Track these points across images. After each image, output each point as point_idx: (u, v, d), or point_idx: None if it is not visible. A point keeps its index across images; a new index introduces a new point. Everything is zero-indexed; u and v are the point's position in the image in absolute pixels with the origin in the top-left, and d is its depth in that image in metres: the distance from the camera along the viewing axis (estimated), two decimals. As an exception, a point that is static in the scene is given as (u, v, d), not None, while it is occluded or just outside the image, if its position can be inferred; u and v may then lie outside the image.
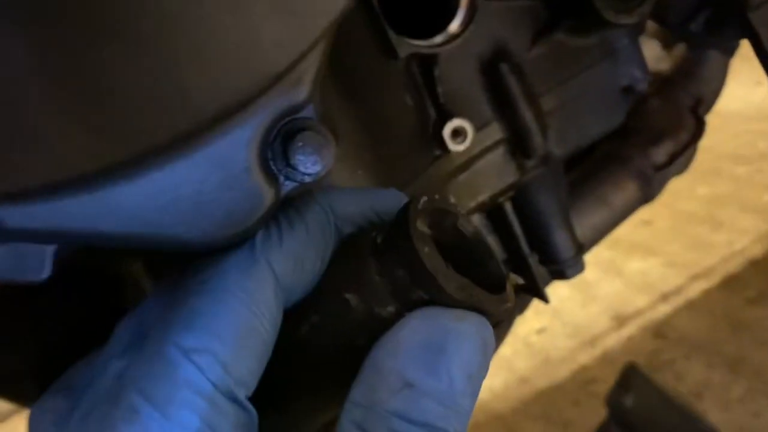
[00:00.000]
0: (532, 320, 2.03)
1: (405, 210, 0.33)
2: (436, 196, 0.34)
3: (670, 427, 1.59)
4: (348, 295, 0.34)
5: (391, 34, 0.62)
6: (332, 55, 0.60)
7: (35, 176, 0.24)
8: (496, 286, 0.34)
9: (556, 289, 2.11)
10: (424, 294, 0.31)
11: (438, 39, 0.64)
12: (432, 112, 0.66)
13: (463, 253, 0.34)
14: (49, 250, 0.32)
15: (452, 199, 0.34)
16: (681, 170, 1.12)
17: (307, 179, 0.34)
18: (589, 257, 0.93)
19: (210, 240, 0.33)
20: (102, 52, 0.22)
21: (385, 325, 0.32)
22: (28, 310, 0.69)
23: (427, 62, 0.66)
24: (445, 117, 0.65)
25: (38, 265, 0.31)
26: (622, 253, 2.08)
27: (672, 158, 1.07)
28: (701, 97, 1.17)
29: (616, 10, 0.65)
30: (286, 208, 0.37)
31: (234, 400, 0.30)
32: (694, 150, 1.12)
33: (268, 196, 0.33)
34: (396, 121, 0.65)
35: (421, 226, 0.32)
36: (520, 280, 0.84)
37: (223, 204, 0.32)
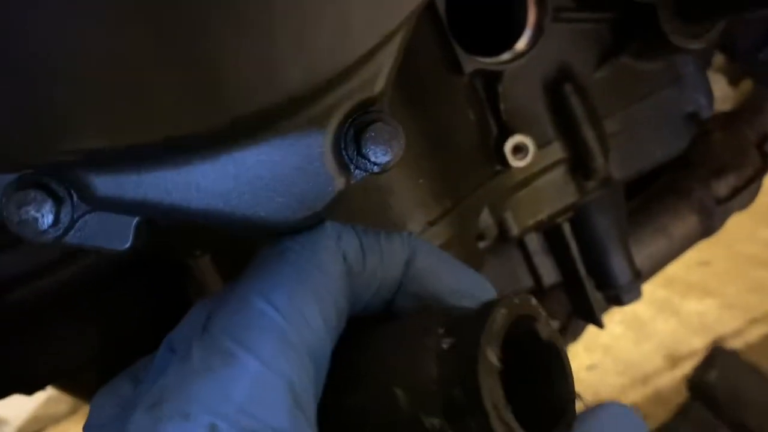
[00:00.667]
0: (582, 356, 1.99)
1: (480, 328, 0.30)
2: (517, 300, 0.31)
3: (754, 399, 1.53)
4: (398, 391, 0.32)
5: (459, 50, 0.64)
6: (403, 67, 0.61)
7: (131, 135, 0.26)
8: (563, 400, 0.32)
9: (609, 327, 2.06)
10: (474, 424, 0.29)
11: (504, 57, 0.65)
12: (494, 128, 0.67)
13: (535, 356, 0.33)
14: (133, 221, 0.33)
15: (534, 301, 0.30)
16: (744, 205, 1.09)
17: (376, 169, 0.35)
18: (643, 295, 0.92)
19: (282, 221, 0.34)
20: (200, 22, 0.24)
21: None
22: (94, 305, 0.72)
23: (491, 79, 0.67)
24: (506, 133, 0.66)
25: (122, 234, 0.33)
26: (678, 293, 2.03)
27: (734, 192, 1.06)
28: (767, 132, 1.15)
29: (684, 35, 0.65)
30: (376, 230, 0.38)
31: (314, 360, 0.32)
32: (759, 185, 1.10)
33: (338, 182, 0.34)
34: (458, 134, 0.66)
35: (491, 354, 0.30)
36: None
37: (297, 187, 0.34)
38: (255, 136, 0.31)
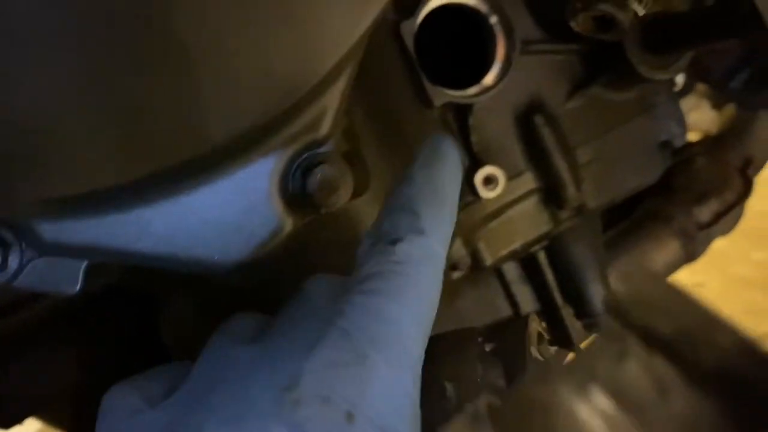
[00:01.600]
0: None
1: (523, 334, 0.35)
2: None
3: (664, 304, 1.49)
4: (447, 384, 0.35)
5: (427, 84, 0.65)
6: (370, 100, 0.62)
7: (71, 185, 0.27)
8: None
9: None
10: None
11: (472, 90, 0.66)
12: (465, 160, 0.68)
13: None
14: (82, 265, 0.34)
15: None
16: (726, 231, 1.10)
17: (324, 209, 0.36)
18: (638, 318, 0.91)
19: (230, 263, 0.35)
20: (136, 76, 0.25)
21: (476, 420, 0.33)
22: (69, 335, 0.73)
23: (462, 112, 0.68)
24: (477, 164, 0.67)
25: (72, 278, 0.34)
26: (672, 316, 2.02)
27: (717, 217, 1.06)
28: (750, 156, 1.16)
29: (652, 66, 0.66)
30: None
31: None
32: (741, 210, 1.10)
33: (286, 223, 0.35)
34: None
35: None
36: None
37: (244, 229, 0.34)
38: (198, 179, 0.32)
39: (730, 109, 1.26)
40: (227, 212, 0.34)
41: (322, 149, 0.35)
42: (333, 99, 0.34)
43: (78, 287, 0.34)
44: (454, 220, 0.41)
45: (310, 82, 0.28)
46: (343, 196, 0.35)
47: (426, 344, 0.35)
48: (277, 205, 0.34)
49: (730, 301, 2.15)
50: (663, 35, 0.63)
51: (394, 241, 0.35)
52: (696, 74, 0.93)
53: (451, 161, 0.43)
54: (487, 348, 0.35)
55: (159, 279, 0.58)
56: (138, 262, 0.34)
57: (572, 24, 0.50)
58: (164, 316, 0.63)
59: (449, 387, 0.37)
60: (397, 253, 0.34)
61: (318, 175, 0.35)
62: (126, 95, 0.25)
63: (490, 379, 0.34)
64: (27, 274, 0.33)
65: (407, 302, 0.33)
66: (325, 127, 0.35)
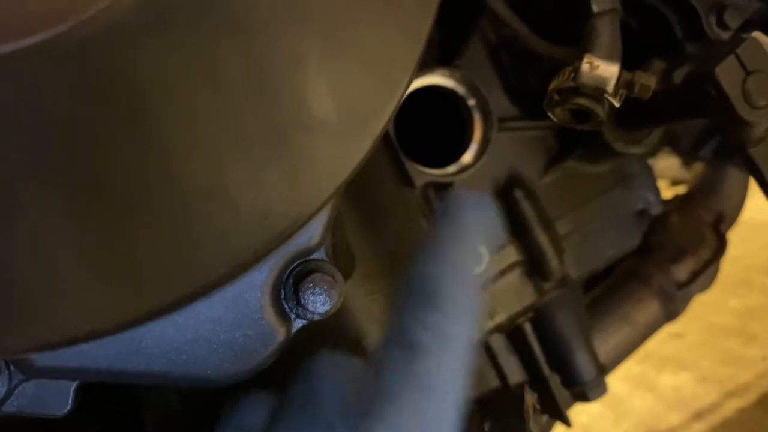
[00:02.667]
0: (562, 438, 1.96)
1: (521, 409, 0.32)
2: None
3: None
4: None
5: (408, 165, 0.66)
6: (354, 184, 0.63)
7: (62, 331, 0.26)
8: None
9: (587, 406, 2.04)
10: None
11: (451, 169, 0.67)
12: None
13: None
14: (72, 386, 0.33)
15: None
16: (704, 288, 1.11)
17: (317, 317, 0.36)
18: (619, 371, 0.92)
19: (224, 376, 0.35)
20: (125, 219, 0.25)
21: None
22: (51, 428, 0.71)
23: (442, 189, 0.69)
24: (460, 241, 0.67)
25: (62, 399, 0.33)
26: (653, 368, 2.02)
27: (694, 276, 1.07)
28: (722, 213, 1.18)
29: (625, 141, 0.68)
30: None
31: None
32: (717, 267, 1.12)
33: (279, 333, 0.35)
34: (413, 246, 0.67)
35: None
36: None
37: (238, 341, 0.34)
38: (190, 304, 0.32)
39: (699, 165, 1.28)
40: (220, 326, 0.33)
41: (314, 256, 0.36)
42: (321, 220, 0.34)
43: (68, 408, 0.33)
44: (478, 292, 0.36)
45: (307, 214, 0.28)
46: (336, 303, 0.35)
47: None
48: (270, 316, 0.34)
49: (709, 351, 2.17)
50: (634, 114, 0.65)
51: (412, 345, 0.32)
52: (665, 142, 0.95)
53: (470, 225, 0.37)
54: (486, 428, 0.32)
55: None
56: (131, 381, 0.33)
57: (550, 115, 0.52)
58: (148, 407, 0.61)
59: None
60: (417, 361, 0.31)
61: (311, 284, 0.35)
62: (114, 238, 0.25)
63: None
64: (16, 398, 0.32)
65: (430, 420, 0.31)
66: (315, 238, 0.35)
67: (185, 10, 0.26)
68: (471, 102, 0.67)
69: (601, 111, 0.46)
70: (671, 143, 0.89)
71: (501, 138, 0.70)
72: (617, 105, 0.45)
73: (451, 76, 0.67)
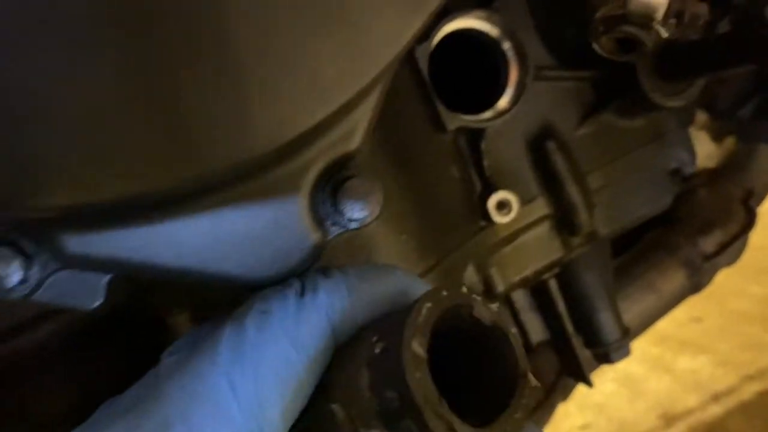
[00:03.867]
0: (575, 416, 1.95)
1: (402, 325, 0.29)
2: (445, 293, 0.30)
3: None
4: (334, 406, 0.31)
5: (441, 108, 0.64)
6: (383, 124, 0.62)
7: (100, 192, 0.26)
8: (513, 380, 0.30)
9: (602, 385, 2.03)
10: (413, 425, 0.28)
11: (486, 114, 0.66)
12: (477, 184, 0.68)
13: (481, 342, 0.32)
14: (104, 279, 0.33)
15: (464, 288, 0.28)
16: (731, 261, 1.09)
17: (353, 225, 0.35)
18: (636, 353, 0.90)
19: (257, 278, 0.34)
20: (177, 77, 0.24)
21: None
22: (72, 363, 0.71)
23: (474, 136, 0.67)
24: (490, 189, 0.66)
25: (92, 292, 0.33)
26: (671, 350, 2.01)
27: (721, 248, 1.05)
28: (752, 189, 1.16)
29: (664, 92, 0.66)
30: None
31: None
32: (745, 241, 1.10)
33: (314, 238, 0.34)
34: (442, 191, 0.66)
35: (417, 346, 0.28)
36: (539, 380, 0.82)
37: (271, 243, 0.33)
38: (229, 191, 0.31)
39: (729, 141, 1.26)
40: (255, 226, 0.33)
41: (352, 163, 0.35)
42: (365, 113, 0.33)
43: (99, 302, 0.33)
44: None
45: (356, 87, 0.27)
46: (373, 211, 0.34)
47: (287, 414, 0.31)
48: (305, 220, 0.34)
49: (728, 336, 2.15)
50: (676, 62, 0.63)
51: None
52: (702, 102, 0.93)
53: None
54: (377, 350, 0.28)
55: (169, 299, 0.57)
56: (164, 277, 0.32)
57: (594, 46, 0.50)
58: (170, 339, 0.61)
59: (337, 410, 0.31)
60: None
61: (349, 189, 0.34)
62: (166, 97, 0.24)
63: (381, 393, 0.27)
64: (47, 288, 0.32)
65: (243, 373, 0.30)
66: (356, 141, 0.34)
67: None
68: (506, 45, 0.65)
69: (648, 40, 0.44)
70: (707, 105, 0.88)
71: (536, 87, 0.68)
72: (665, 35, 0.44)
73: (487, 19, 0.66)
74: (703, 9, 0.45)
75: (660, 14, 0.43)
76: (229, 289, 0.35)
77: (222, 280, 0.33)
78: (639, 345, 1.00)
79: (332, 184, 0.34)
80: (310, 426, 0.33)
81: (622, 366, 0.88)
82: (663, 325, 1.02)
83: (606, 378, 2.00)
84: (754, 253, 1.11)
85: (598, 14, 0.46)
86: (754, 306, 2.12)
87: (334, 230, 0.35)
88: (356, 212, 0.34)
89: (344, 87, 0.27)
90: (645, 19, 0.43)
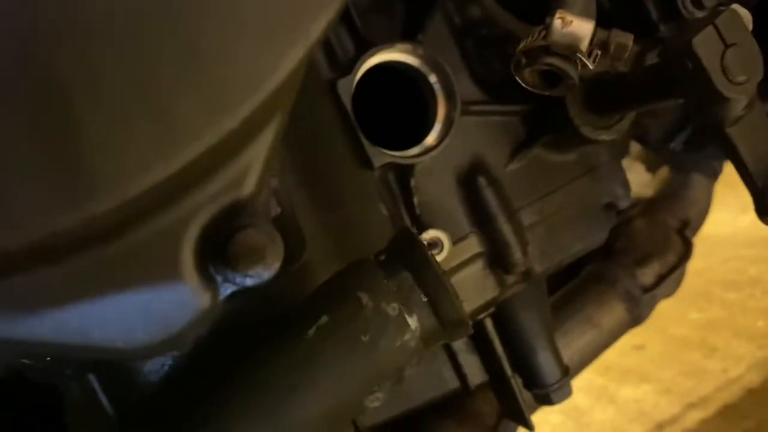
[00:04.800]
0: (523, 449, 1.92)
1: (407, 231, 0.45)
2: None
3: None
4: (361, 294, 0.40)
5: (367, 145, 0.61)
6: (304, 161, 0.58)
7: None
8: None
9: (548, 416, 2.01)
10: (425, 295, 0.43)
11: (414, 151, 0.63)
12: (408, 223, 0.64)
13: None
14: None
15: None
16: (670, 293, 1.09)
17: (249, 282, 0.31)
18: (580, 383, 0.88)
19: (139, 347, 0.29)
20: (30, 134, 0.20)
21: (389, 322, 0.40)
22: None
23: (403, 173, 0.65)
24: (421, 228, 0.63)
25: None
26: (614, 380, 2.00)
27: (659, 279, 1.05)
28: (687, 219, 1.16)
29: (595, 126, 0.65)
30: None
31: None
32: (683, 272, 1.10)
33: (202, 300, 0.30)
34: (370, 230, 0.63)
35: None
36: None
37: (151, 309, 0.29)
38: (94, 255, 0.27)
39: (664, 170, 1.27)
40: (131, 290, 0.28)
41: (246, 211, 0.31)
42: (257, 154, 0.29)
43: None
44: None
45: (220, 130, 0.23)
46: (271, 265, 0.31)
47: None
48: (190, 279, 0.29)
49: (670, 363, 2.16)
50: (605, 96, 0.61)
51: None
52: (634, 135, 0.93)
53: None
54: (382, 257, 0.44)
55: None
56: (39, 353, 0.28)
57: (518, 79, 0.48)
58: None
59: (363, 296, 0.40)
60: None
61: (241, 241, 0.30)
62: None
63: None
64: None
65: None
66: (249, 186, 0.30)
67: None
68: (433, 79, 0.63)
69: (573, 72, 0.42)
70: (639, 137, 0.87)
71: (465, 122, 0.66)
72: (591, 66, 0.42)
73: (412, 52, 0.63)
74: (628, 39, 0.43)
75: (584, 45, 0.41)
76: (115, 359, 0.30)
77: (104, 353, 0.29)
78: (584, 375, 0.98)
79: (223, 236, 0.30)
80: (333, 320, 0.40)
81: (569, 396, 0.86)
82: (606, 353, 1.00)
83: (552, 409, 1.98)
84: (691, 279, 1.11)
85: (520, 46, 0.44)
86: (694, 332, 2.15)
87: (226, 289, 0.31)
88: (251, 267, 0.30)
89: (202, 132, 0.23)
90: (568, 51, 0.41)
